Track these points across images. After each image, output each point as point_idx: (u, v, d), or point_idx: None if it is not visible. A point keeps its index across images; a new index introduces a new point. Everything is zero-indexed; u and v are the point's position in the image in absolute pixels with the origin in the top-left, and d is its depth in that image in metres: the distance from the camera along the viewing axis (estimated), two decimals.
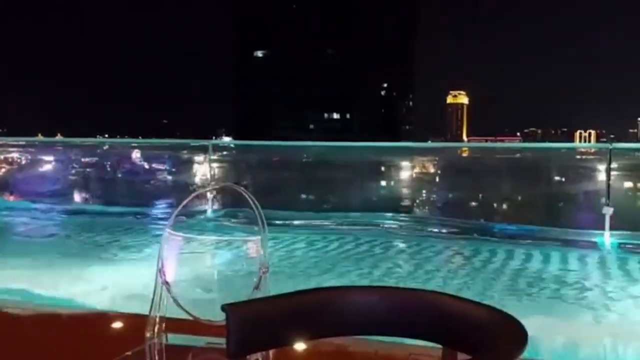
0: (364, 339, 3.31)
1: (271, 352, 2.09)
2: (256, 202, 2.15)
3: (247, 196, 2.15)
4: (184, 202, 2.20)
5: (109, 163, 15.68)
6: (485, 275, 6.14)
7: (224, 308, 1.60)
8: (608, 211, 8.32)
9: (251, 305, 1.75)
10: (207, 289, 2.34)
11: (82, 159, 15.36)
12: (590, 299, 5.05)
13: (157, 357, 2.02)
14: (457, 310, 1.67)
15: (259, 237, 2.16)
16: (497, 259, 7.37)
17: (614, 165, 9.97)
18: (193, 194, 2.30)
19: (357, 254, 7.42)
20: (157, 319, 2.13)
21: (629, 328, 4.36)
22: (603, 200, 9.17)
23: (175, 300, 2.15)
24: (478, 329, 1.56)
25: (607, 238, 8.58)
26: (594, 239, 8.63)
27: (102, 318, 4.17)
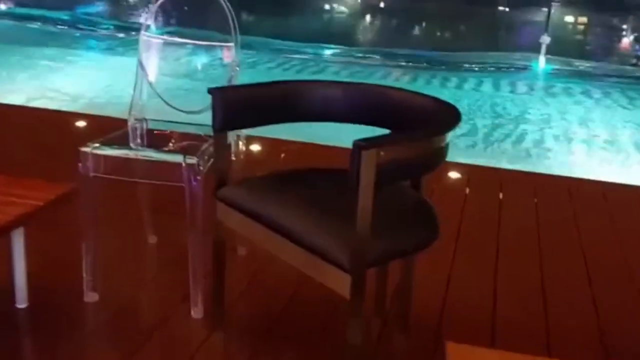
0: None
1: (244, 135, 2.43)
2: (229, 7, 2.33)
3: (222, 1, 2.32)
4: (160, 1, 2.35)
5: None
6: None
7: (210, 90, 1.87)
8: (545, 39, 8.78)
9: (233, 89, 2.03)
10: (183, 85, 2.57)
11: None
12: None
13: (139, 138, 2.28)
14: (404, 99, 2.00)
15: (232, 44, 2.37)
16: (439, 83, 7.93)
17: None
18: None
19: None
20: (139, 108, 2.37)
21: None
22: (542, 31, 9.60)
23: (154, 90, 2.40)
24: (421, 113, 1.90)
25: (542, 64, 9.16)
26: (529, 64, 9.23)
27: (79, 117, 4.48)
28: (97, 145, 2.06)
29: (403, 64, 9.44)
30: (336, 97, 2.07)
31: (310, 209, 1.72)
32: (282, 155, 3.89)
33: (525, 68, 9.29)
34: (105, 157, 2.04)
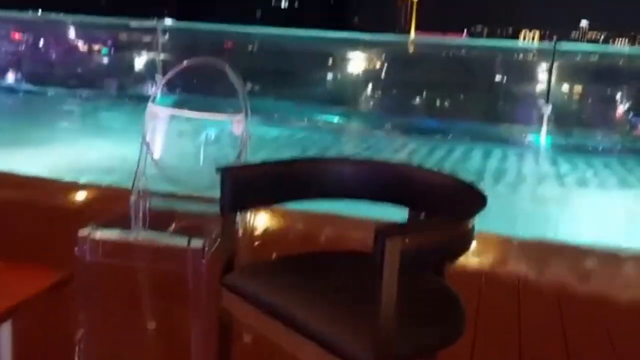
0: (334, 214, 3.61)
1: (253, 214, 2.31)
2: (239, 79, 2.26)
3: (229, 73, 2.25)
4: (169, 75, 2.28)
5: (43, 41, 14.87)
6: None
7: (219, 170, 1.76)
8: (547, 109, 8.78)
9: (243, 168, 1.92)
10: (190, 161, 2.47)
11: (14, 36, 14.56)
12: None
13: (141, 219, 2.16)
14: (423, 178, 1.89)
15: (242, 116, 2.29)
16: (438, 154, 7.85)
17: (555, 64, 10.31)
18: (181, 66, 2.34)
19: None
20: (142, 183, 2.26)
21: None
22: (542, 101, 9.65)
23: (159, 168, 2.29)
24: (441, 193, 1.79)
25: (543, 136, 9.14)
26: (530, 138, 9.19)
27: (80, 188, 4.34)
28: (95, 228, 1.93)
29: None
30: (349, 174, 1.96)
31: (324, 300, 1.57)
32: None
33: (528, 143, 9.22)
34: (104, 241, 1.91)
